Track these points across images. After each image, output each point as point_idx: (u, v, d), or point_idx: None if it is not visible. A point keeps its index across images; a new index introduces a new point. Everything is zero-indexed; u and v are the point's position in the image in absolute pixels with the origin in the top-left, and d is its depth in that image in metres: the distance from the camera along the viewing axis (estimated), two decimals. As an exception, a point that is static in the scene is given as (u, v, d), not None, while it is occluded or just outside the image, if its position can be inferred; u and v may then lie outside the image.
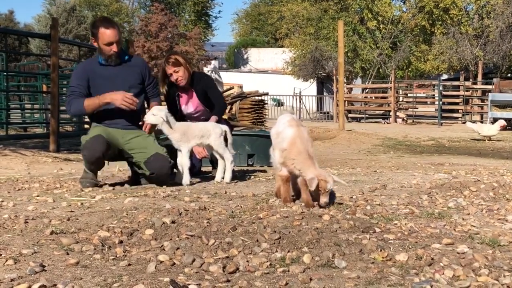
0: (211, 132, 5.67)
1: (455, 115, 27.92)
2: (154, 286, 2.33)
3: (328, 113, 35.38)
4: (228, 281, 2.43)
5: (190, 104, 6.47)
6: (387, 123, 27.39)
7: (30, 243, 3.00)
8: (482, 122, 23.16)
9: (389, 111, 28.57)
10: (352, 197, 4.50)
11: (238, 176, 6.39)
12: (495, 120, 18.07)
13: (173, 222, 3.39)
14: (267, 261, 2.69)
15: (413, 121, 27.50)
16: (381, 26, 39.00)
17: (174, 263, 2.69)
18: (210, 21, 56.95)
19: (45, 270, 2.55)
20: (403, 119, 27.63)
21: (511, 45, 35.45)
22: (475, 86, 29.03)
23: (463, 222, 3.55)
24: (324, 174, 3.95)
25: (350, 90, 34.10)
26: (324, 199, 3.94)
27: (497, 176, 6.18)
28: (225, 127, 5.86)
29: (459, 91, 29.01)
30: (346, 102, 27.88)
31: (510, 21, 35.22)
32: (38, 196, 4.63)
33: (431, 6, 38.14)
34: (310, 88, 40.35)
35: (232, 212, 3.80)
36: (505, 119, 20.13)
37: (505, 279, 2.39)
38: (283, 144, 4.12)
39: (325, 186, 3.90)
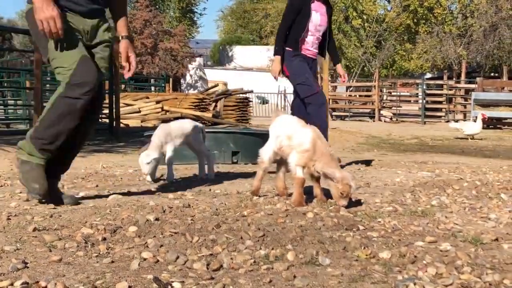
0: (189, 130, 5.67)
1: (438, 114, 28.06)
2: (138, 283, 2.32)
3: (312, 111, 35.37)
4: (212, 278, 2.42)
5: (319, 16, 6.77)
6: (383, 120, 27.44)
7: (12, 240, 2.97)
8: (465, 120, 23.29)
9: (380, 109, 28.64)
10: (336, 195, 4.50)
11: (223, 173, 6.39)
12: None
13: (157, 219, 3.38)
14: (251, 259, 2.69)
15: (396, 120, 27.60)
16: (366, 24, 39.15)
17: (158, 261, 2.68)
18: (195, 18, 56.74)
19: (28, 267, 2.53)
20: (390, 118, 27.72)
21: (494, 44, 35.73)
22: (458, 85, 29.19)
23: (446, 220, 3.57)
24: (348, 177, 3.93)
25: (335, 88, 34.18)
26: (343, 202, 3.93)
27: (480, 174, 6.22)
28: (201, 125, 5.89)
29: (442, 90, 29.16)
30: (331, 100, 27.93)
31: (494, 20, 35.49)
32: (20, 192, 4.60)
33: (415, 5, 38.37)
34: (294, 86, 40.34)
35: (216, 209, 3.80)
36: (489, 118, 20.28)
37: (487, 277, 2.40)
38: (305, 145, 4.07)
39: (348, 190, 3.90)
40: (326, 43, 6.95)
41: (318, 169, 4.02)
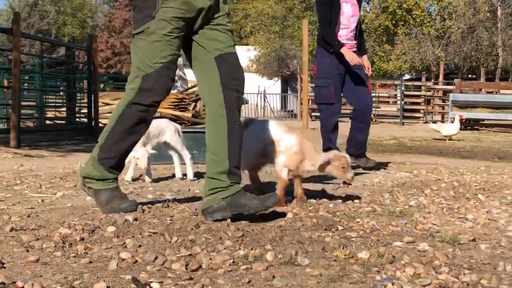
0: (166, 130, 5.66)
1: (416, 114, 28.21)
2: (116, 284, 2.31)
3: (292, 111, 35.50)
4: (190, 278, 2.42)
5: (350, 6, 6.48)
6: None
7: (-11, 240, 2.95)
8: (443, 121, 23.46)
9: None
10: (315, 195, 4.51)
11: (202, 173, 6.37)
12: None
13: (135, 219, 3.37)
14: (230, 259, 2.69)
15: (375, 120, 27.73)
16: (345, 25, 39.25)
17: (136, 261, 2.67)
18: (175, 18, 56.62)
19: (4, 267, 2.51)
20: (372, 119, 27.85)
21: (472, 46, 36.04)
22: (436, 87, 29.36)
23: (424, 221, 3.60)
24: (339, 153, 4.09)
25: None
26: (350, 174, 4.04)
27: (458, 175, 6.27)
28: (177, 125, 5.88)
29: (420, 91, 29.32)
30: (310, 101, 27.99)
31: (471, 22, 35.80)
32: (-3, 192, 4.56)
33: (394, 7, 38.55)
34: (274, 86, 40.45)
35: (196, 209, 3.79)
36: (466, 119, 20.43)
37: (465, 277, 2.42)
38: (293, 149, 4.10)
39: (345, 161, 4.00)
40: (358, 34, 6.61)
41: (309, 166, 4.06)
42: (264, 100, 35.37)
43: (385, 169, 7.12)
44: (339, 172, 4.06)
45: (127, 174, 5.47)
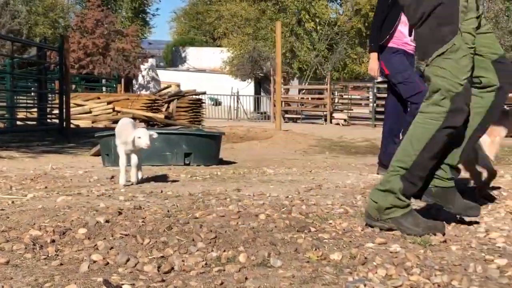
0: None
1: (389, 117, 28.40)
2: (87, 286, 2.29)
3: (265, 113, 35.57)
4: (163, 281, 2.41)
5: (406, 28, 6.17)
6: (339, 124, 27.63)
7: (-43, 243, 2.90)
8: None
9: (331, 111, 28.85)
10: (288, 197, 4.52)
11: (175, 175, 6.35)
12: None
13: (107, 221, 3.34)
14: (203, 261, 2.68)
15: (348, 123, 27.88)
16: (318, 27, 39.46)
17: (108, 263, 2.65)
18: (148, 19, 56.41)
19: (-27, 270, 2.48)
20: (344, 120, 27.97)
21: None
22: (408, 89, 29.60)
23: (396, 222, 3.61)
24: None
25: (287, 90, 34.38)
26: None
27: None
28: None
29: (393, 93, 29.54)
30: (283, 102, 28.07)
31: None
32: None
33: (367, 10, 38.82)
34: (247, 88, 40.49)
35: (168, 211, 3.77)
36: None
37: (436, 278, 2.44)
38: None
39: None
40: None
41: None
42: (237, 101, 35.39)
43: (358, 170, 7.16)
44: None
45: (120, 179, 5.34)
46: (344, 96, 31.33)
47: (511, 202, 4.33)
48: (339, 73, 40.51)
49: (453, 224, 3.59)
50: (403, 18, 6.08)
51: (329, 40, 39.30)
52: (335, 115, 28.66)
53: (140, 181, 5.48)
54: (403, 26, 6.16)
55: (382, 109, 28.45)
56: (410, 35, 6.16)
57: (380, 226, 3.38)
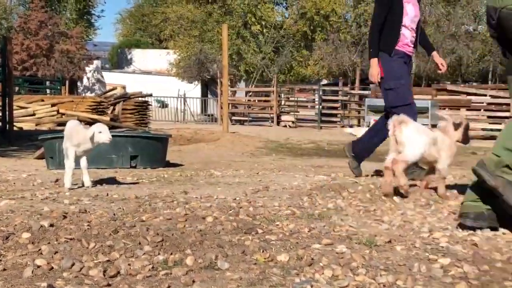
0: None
1: (334, 119, 28.74)
2: (31, 292, 2.25)
3: (212, 115, 35.50)
4: (109, 285, 2.38)
5: (412, 8, 6.11)
6: (287, 126, 27.70)
7: None
8: (359, 126, 23.96)
9: (278, 114, 28.95)
10: (235, 199, 4.52)
11: (121, 178, 6.28)
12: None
13: (51, 225, 3.28)
14: (150, 264, 2.66)
15: (295, 125, 28.05)
16: (265, 30, 39.61)
17: (52, 268, 2.60)
18: (93, 20, 55.58)
19: None
20: (293, 122, 28.11)
21: (387, 52, 36.88)
22: (353, 92, 30.07)
23: (342, 223, 3.65)
24: None
25: (234, 93, 34.41)
26: None
27: (374, 178, 6.40)
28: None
29: (338, 96, 29.91)
30: (230, 105, 28.06)
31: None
32: None
33: (312, 13, 39.15)
34: (194, 90, 40.37)
35: (114, 214, 3.73)
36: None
37: (381, 278, 2.48)
38: None
39: None
40: (418, 37, 6.29)
41: None
42: (184, 104, 35.25)
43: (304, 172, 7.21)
44: None
45: (66, 182, 5.23)
46: (291, 99, 31.51)
47: (453, 203, 4.42)
48: (286, 76, 40.70)
49: (397, 224, 3.65)
50: (406, 21, 6.06)
51: (275, 43, 39.47)
52: (283, 117, 28.81)
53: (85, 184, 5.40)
54: (403, 28, 6.09)
55: (328, 112, 28.62)
56: (416, 39, 6.19)
57: (487, 179, 3.40)
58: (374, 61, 6.09)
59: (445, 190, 4.65)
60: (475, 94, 23.36)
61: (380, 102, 24.52)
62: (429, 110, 21.64)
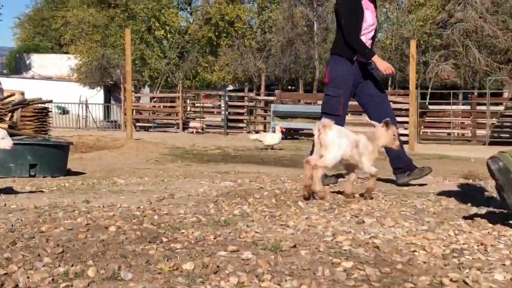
0: None
1: (240, 125, 28.92)
2: None
3: (115, 121, 34.92)
4: (5, 300, 2.27)
5: (370, 15, 6.12)
6: (195, 132, 27.52)
7: None
8: (265, 131, 24.19)
9: (184, 120, 28.80)
10: (139, 207, 4.45)
11: (19, 187, 6.07)
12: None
13: None
14: (50, 276, 2.56)
15: (204, 131, 28.00)
16: (169, 35, 39.39)
17: None
18: (-11, 24, 53.76)
19: None
20: (202, 129, 28.04)
21: (291, 59, 37.54)
22: (258, 97, 30.33)
23: (248, 229, 3.65)
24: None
25: (138, 99, 34.01)
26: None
27: (279, 183, 6.46)
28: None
29: (243, 101, 30.09)
30: (134, 111, 27.71)
31: (290, 36, 37.30)
32: None
33: (217, 19, 39.28)
34: (97, 96, 39.62)
35: (12, 225, 3.58)
36: (287, 129, 21.19)
37: (286, 284, 2.48)
38: None
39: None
40: (373, 44, 6.36)
41: None
42: (86, 110, 34.53)
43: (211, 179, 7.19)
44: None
45: None
46: (196, 104, 31.46)
47: (356, 206, 4.51)
48: (191, 81, 40.61)
49: (302, 229, 3.68)
50: (364, 27, 6.10)
51: (180, 48, 39.33)
52: (191, 123, 28.72)
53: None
54: (363, 35, 6.13)
55: (234, 117, 28.77)
56: (371, 47, 6.23)
57: (497, 178, 3.64)
58: (376, 58, 6.07)
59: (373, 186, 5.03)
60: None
61: (285, 108, 24.94)
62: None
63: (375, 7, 6.31)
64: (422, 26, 35.15)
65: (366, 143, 4.87)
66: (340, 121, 6.03)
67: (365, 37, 6.15)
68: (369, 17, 6.13)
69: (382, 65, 6.04)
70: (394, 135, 4.96)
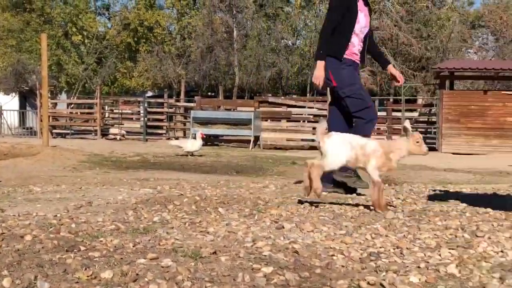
0: None
1: (159, 131, 28.70)
2: None
3: (31, 128, 34.04)
4: None
5: (364, 18, 6.04)
6: (114, 139, 27.05)
7: None
8: (185, 138, 24.10)
9: (105, 126, 28.33)
10: (56, 215, 4.36)
11: None
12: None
13: None
14: (-39, 289, 2.48)
15: (123, 137, 27.63)
16: (86, 41, 38.76)
17: None
18: None
19: None
20: (123, 135, 27.62)
21: (210, 65, 37.60)
22: (178, 104, 30.18)
23: (168, 236, 3.63)
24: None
25: (55, 105, 33.26)
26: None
27: (199, 189, 6.45)
28: None
29: (163, 108, 29.89)
30: (51, 117, 27.08)
31: (210, 42, 37.36)
32: None
33: (136, 24, 38.92)
34: (11, 102, 38.50)
35: None
36: (207, 136, 21.18)
37: (206, 289, 2.49)
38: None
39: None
40: (366, 48, 6.28)
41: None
42: (0, 116, 33.53)
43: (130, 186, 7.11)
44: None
45: None
46: (115, 111, 31.03)
47: (275, 211, 4.56)
48: (109, 87, 40.05)
49: (222, 235, 3.69)
50: (356, 28, 6.07)
51: (98, 53, 38.75)
52: (112, 130, 28.29)
53: None
54: (353, 36, 6.10)
55: (153, 124, 28.56)
56: (363, 50, 6.21)
57: None
58: (321, 64, 6.00)
59: (378, 197, 4.76)
60: (295, 106, 24.38)
61: (205, 114, 24.88)
62: (252, 122, 22.28)
63: (370, 11, 6.32)
64: (340, 34, 35.83)
65: (376, 148, 4.78)
66: (374, 113, 6.15)
67: (358, 38, 6.15)
68: (363, 19, 6.13)
69: (316, 72, 6.02)
70: (417, 141, 4.79)
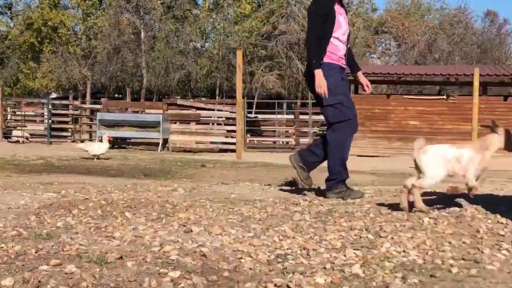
0: None
1: (64, 133, 28.01)
2: None
3: None
4: None
5: (344, 20, 5.99)
6: (17, 141, 26.12)
7: None
8: (91, 140, 23.64)
9: (10, 129, 27.37)
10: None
11: None
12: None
13: None
14: None
15: (27, 140, 26.79)
16: (-13, 40, 37.52)
17: None
18: None
19: None
20: (27, 138, 26.74)
21: (118, 66, 37.09)
22: (84, 106, 29.57)
23: (72, 242, 3.55)
24: None
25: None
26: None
27: (105, 193, 6.34)
28: None
29: (68, 110, 29.21)
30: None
31: (117, 43, 36.85)
32: None
33: (39, 24, 37.93)
34: None
35: None
36: (114, 138, 20.85)
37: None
38: None
39: None
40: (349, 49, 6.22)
41: None
42: None
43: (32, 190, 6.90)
44: None
45: None
46: (17, 113, 30.08)
47: (184, 215, 4.54)
48: (12, 89, 38.84)
49: (129, 240, 3.64)
50: (339, 33, 5.95)
51: (0, 54, 37.52)
52: (14, 132, 27.36)
53: None
54: (336, 40, 5.95)
55: (58, 126, 27.82)
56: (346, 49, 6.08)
57: None
58: (319, 72, 5.82)
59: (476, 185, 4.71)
60: (204, 109, 24.36)
61: (112, 116, 24.49)
62: (160, 124, 22.10)
63: (345, 11, 6.25)
64: (248, 37, 36.19)
65: (472, 156, 4.68)
66: (354, 123, 6.06)
67: (342, 42, 6.03)
68: (343, 22, 6.03)
69: (318, 81, 5.82)
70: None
